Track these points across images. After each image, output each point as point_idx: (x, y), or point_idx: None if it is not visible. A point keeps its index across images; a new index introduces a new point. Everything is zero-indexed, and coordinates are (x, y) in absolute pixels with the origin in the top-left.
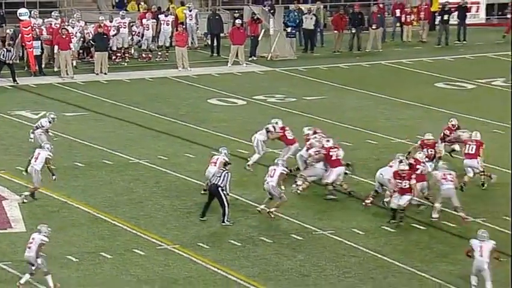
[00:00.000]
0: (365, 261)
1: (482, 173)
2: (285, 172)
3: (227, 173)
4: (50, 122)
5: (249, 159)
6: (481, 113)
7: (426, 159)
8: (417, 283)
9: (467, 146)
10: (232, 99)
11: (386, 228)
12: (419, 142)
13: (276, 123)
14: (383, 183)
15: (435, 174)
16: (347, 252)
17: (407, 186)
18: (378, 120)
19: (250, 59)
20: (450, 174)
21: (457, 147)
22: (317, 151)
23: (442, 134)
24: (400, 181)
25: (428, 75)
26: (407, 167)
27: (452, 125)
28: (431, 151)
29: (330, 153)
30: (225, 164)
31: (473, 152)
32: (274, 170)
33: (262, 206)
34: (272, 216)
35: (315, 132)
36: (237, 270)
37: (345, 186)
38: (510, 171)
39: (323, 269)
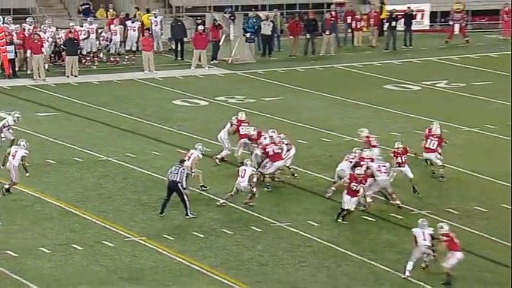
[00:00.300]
0: (320, 251)
1: (441, 167)
2: (254, 172)
3: (183, 169)
4: (15, 121)
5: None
6: (426, 112)
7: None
8: (367, 271)
9: (429, 140)
10: (195, 100)
11: (339, 220)
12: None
13: (237, 115)
14: (342, 176)
15: (371, 165)
16: (303, 243)
17: (358, 188)
18: (331, 120)
19: (212, 62)
20: (384, 166)
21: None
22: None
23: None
24: (356, 184)
25: (378, 77)
26: (362, 172)
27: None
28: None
29: (267, 150)
30: (181, 161)
31: (434, 147)
32: (244, 170)
33: (222, 201)
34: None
35: (259, 134)
36: (200, 260)
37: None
38: (510, 171)
39: (281, 258)
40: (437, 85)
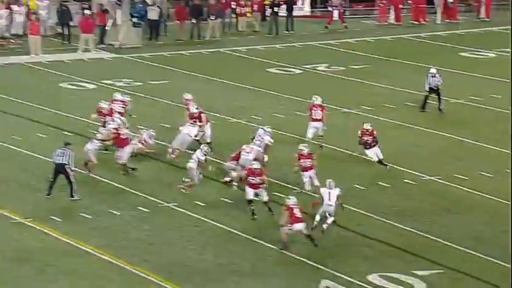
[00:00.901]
0: (206, 230)
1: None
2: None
3: (70, 151)
4: None
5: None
6: (307, 94)
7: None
8: (252, 248)
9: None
10: (83, 84)
11: (225, 200)
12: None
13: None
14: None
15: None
16: (190, 223)
17: (258, 182)
18: (217, 103)
19: (99, 46)
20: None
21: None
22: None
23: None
24: (253, 177)
25: (261, 61)
26: (259, 166)
27: (366, 129)
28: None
29: (119, 132)
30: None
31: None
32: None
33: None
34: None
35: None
36: (87, 240)
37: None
38: (510, 170)
39: (168, 238)
40: (317, 68)
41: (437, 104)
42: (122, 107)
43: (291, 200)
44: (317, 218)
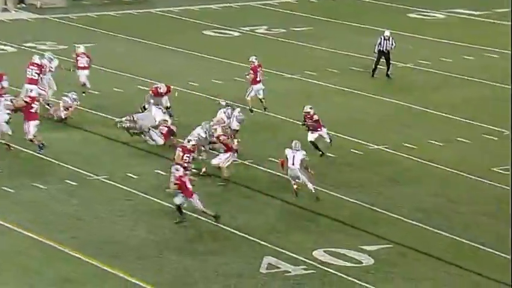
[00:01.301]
0: (139, 204)
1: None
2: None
3: None
4: None
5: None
6: (246, 59)
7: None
8: (188, 224)
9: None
10: (2, 46)
11: (159, 172)
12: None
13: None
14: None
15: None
16: (121, 196)
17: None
18: (148, 67)
19: (19, 6)
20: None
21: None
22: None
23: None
24: (188, 156)
25: (196, 23)
26: (193, 144)
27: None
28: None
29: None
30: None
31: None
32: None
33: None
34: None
35: None
36: (9, 216)
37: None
38: (510, 168)
39: (97, 212)
40: (256, 31)
41: (385, 68)
42: (37, 73)
43: (180, 171)
44: (294, 186)
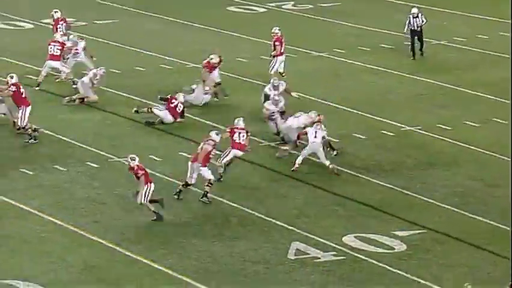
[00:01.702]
0: (163, 187)
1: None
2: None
3: None
4: None
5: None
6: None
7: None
8: (216, 208)
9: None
10: (19, 23)
11: (183, 154)
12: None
13: None
14: None
15: None
16: None
17: None
18: (172, 45)
19: None
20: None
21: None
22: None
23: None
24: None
25: None
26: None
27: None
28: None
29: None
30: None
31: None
32: None
33: None
34: None
35: None
36: (29, 200)
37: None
38: (510, 165)
39: (119, 196)
40: (283, 7)
41: (418, 45)
42: (58, 49)
43: (135, 160)
44: (299, 160)
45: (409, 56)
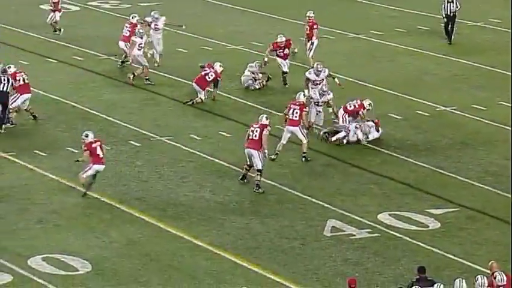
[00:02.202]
0: (202, 166)
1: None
2: None
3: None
4: None
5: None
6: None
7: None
8: (251, 186)
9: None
10: (65, 5)
11: (223, 133)
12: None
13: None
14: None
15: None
16: (185, 158)
17: None
18: (213, 27)
19: None
20: None
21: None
22: None
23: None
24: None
25: None
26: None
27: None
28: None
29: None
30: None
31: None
32: None
33: None
34: None
35: None
36: (72, 177)
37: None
38: (510, 163)
39: (162, 174)
40: None
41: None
42: (128, 30)
43: (90, 137)
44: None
45: (445, 38)
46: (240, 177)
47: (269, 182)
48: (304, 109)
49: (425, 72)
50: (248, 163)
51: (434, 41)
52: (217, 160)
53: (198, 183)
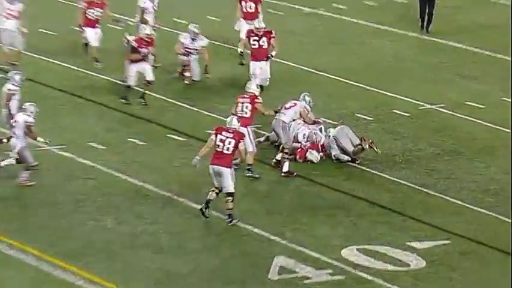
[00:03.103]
0: (105, 185)
1: None
2: None
3: None
4: None
5: None
6: None
7: None
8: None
9: None
10: None
11: (133, 140)
12: None
13: None
14: None
15: None
16: (82, 174)
17: None
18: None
19: None
20: None
21: None
22: None
23: None
24: None
25: None
26: None
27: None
28: None
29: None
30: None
31: None
32: None
33: None
34: None
35: None
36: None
37: None
38: (510, 162)
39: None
40: None
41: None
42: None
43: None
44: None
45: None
46: (203, 205)
47: (196, 206)
48: (256, 100)
49: (402, 58)
50: (216, 185)
51: (413, 17)
52: (125, 177)
53: (99, 209)
